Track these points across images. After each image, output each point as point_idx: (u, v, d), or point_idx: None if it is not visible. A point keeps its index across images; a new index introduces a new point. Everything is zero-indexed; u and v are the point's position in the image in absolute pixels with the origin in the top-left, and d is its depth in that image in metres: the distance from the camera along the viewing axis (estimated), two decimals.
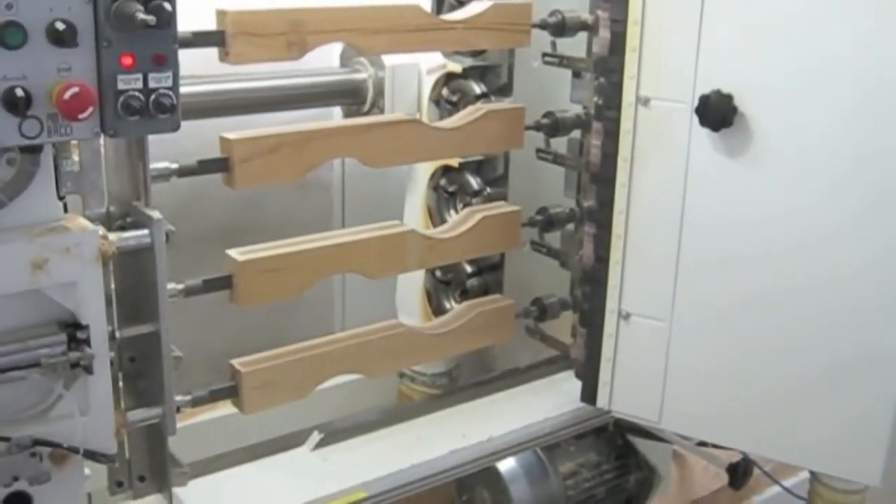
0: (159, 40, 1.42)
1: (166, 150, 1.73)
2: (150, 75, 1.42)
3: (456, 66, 2.32)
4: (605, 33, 2.00)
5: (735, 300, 1.97)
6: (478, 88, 2.29)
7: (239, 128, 1.87)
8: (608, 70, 2.01)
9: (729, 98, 1.85)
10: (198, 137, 1.85)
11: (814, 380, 1.92)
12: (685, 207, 1.97)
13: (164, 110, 1.44)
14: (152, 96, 1.42)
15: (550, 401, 2.25)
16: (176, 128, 1.48)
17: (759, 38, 1.84)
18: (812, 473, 2.11)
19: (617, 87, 2.00)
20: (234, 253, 1.84)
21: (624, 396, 2.15)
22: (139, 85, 1.41)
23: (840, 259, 1.85)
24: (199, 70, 1.99)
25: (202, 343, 2.31)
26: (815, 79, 1.80)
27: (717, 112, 1.85)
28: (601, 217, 2.09)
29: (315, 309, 2.75)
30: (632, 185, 2.03)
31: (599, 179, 2.08)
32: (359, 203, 2.76)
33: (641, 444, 2.50)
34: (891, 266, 1.81)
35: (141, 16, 1.36)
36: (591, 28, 2.11)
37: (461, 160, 2.35)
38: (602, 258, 2.11)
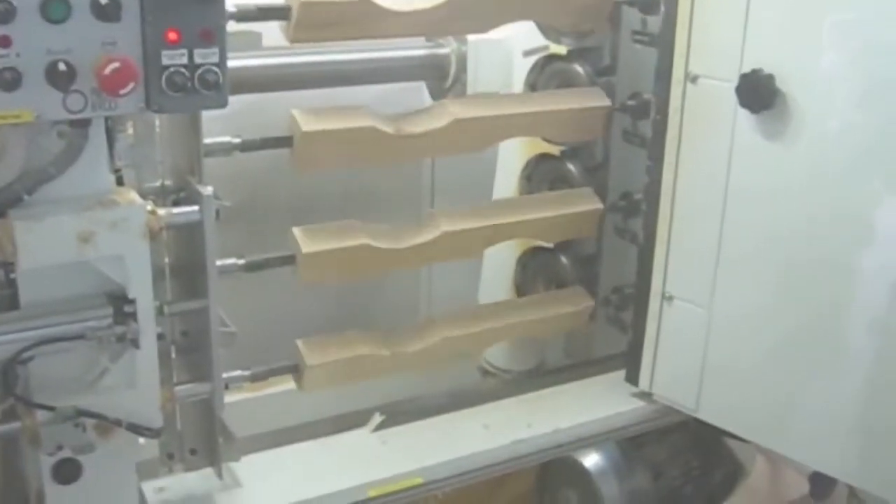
0: (206, 15, 1.39)
1: (252, 118, 1.74)
2: (196, 51, 1.39)
3: (560, 49, 2.21)
4: (664, 8, 1.93)
5: (778, 290, 1.85)
6: (581, 70, 2.18)
7: (320, 100, 1.88)
8: (663, 46, 1.94)
9: (770, 78, 1.75)
10: (283, 108, 1.84)
11: (852, 383, 1.77)
12: (728, 190, 1.88)
13: (209, 87, 1.40)
14: (198, 72, 1.40)
15: (625, 393, 2.16)
16: (223, 104, 1.44)
17: (805, 19, 1.72)
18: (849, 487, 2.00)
19: (669, 64, 1.93)
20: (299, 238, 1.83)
21: (664, 381, 2.08)
22: (184, 61, 1.39)
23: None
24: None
25: (292, 316, 2.32)
26: (858, 64, 1.68)
27: (756, 93, 1.76)
28: (651, 196, 2.02)
29: (402, 287, 2.73)
30: (678, 165, 1.96)
31: (652, 157, 2.02)
32: (449, 181, 2.71)
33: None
34: None
35: None
36: None
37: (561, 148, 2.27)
38: (651, 238, 2.03)
